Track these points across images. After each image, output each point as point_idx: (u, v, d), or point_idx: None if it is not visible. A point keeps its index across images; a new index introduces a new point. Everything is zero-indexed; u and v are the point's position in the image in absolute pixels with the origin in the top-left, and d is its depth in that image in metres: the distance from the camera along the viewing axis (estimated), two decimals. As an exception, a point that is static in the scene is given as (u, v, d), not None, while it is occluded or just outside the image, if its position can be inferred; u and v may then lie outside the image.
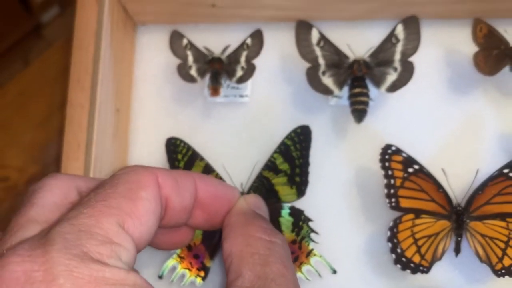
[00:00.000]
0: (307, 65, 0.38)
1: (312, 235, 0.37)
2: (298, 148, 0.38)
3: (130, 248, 0.22)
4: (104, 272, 0.20)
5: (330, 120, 0.40)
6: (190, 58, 0.39)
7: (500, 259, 0.35)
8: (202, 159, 0.38)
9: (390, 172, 0.36)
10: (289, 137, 0.38)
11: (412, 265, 0.35)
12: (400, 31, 0.38)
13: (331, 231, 0.38)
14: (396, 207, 0.36)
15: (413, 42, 0.38)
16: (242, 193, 0.37)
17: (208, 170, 0.38)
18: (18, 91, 0.75)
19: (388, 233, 0.36)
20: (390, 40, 0.38)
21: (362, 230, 0.38)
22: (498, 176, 0.36)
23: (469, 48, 0.39)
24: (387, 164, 0.36)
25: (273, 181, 0.38)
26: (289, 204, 0.38)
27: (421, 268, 0.35)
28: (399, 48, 0.38)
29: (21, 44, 1.47)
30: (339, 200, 0.38)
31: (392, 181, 0.36)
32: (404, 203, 0.36)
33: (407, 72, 0.37)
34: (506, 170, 0.36)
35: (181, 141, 0.39)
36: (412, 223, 0.36)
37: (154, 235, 0.26)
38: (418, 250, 0.35)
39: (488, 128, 0.39)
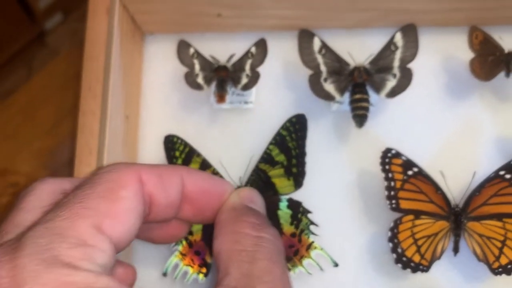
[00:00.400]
0: (309, 72, 0.40)
1: (312, 228, 0.37)
2: (294, 138, 0.38)
3: (106, 250, 0.22)
4: (73, 276, 0.20)
5: (332, 125, 0.42)
6: (197, 67, 0.41)
7: (497, 258, 0.36)
8: (199, 155, 0.39)
9: (390, 175, 0.37)
10: (284, 127, 0.39)
11: (412, 264, 0.37)
12: (398, 39, 0.39)
13: (334, 231, 0.39)
14: (396, 209, 0.37)
15: (412, 49, 0.39)
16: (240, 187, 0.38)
17: (205, 165, 0.39)
18: (26, 100, 0.77)
19: (389, 234, 0.37)
20: (389, 47, 0.39)
21: (364, 230, 0.39)
22: (494, 178, 0.37)
23: (466, 54, 0.40)
24: (387, 167, 0.37)
25: (270, 173, 0.38)
26: (287, 196, 0.38)
27: (421, 267, 0.37)
28: (398, 55, 0.39)
29: (25, 51, 1.49)
30: (342, 202, 0.40)
31: (392, 184, 0.37)
32: (404, 204, 0.37)
33: (406, 78, 0.39)
34: (502, 172, 0.37)
35: (178, 138, 0.39)
36: (412, 224, 0.37)
37: (148, 230, 0.27)
38: (418, 250, 0.37)
39: (484, 132, 0.41)
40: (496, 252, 0.36)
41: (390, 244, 0.37)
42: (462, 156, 0.40)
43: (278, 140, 0.38)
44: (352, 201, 0.40)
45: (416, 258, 0.37)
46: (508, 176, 0.37)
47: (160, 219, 0.27)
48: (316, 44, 0.40)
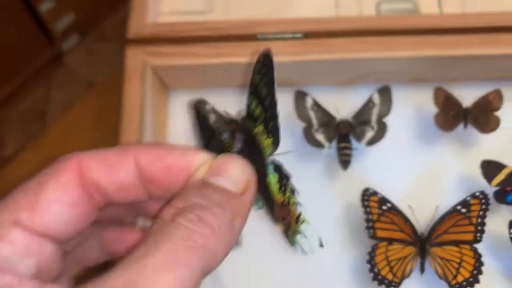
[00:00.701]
0: (303, 124, 0.48)
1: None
2: (263, 84, 0.31)
3: (16, 241, 0.23)
4: None
5: (323, 166, 0.50)
6: (213, 120, 0.50)
7: (455, 276, 0.44)
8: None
9: (368, 209, 0.45)
10: (256, 70, 0.31)
11: (386, 281, 0.44)
12: (376, 98, 0.48)
13: (323, 254, 0.47)
14: (373, 236, 0.45)
15: (386, 106, 0.48)
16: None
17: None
18: (60, 132, 0.83)
19: (367, 257, 0.45)
20: (368, 105, 0.48)
21: (348, 253, 0.47)
22: (452, 212, 0.45)
23: (433, 107, 0.49)
24: (366, 203, 0.45)
25: (255, 131, 0.32)
26: (271, 158, 0.33)
27: (393, 284, 0.44)
28: (375, 111, 0.48)
29: (43, 72, 1.57)
30: (330, 230, 0.48)
31: (370, 216, 0.45)
32: (380, 233, 0.45)
33: (381, 130, 0.47)
34: (459, 207, 0.45)
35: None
36: (386, 249, 0.45)
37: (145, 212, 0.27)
38: (391, 270, 0.44)
39: (448, 173, 0.49)
40: (454, 271, 0.44)
41: (368, 265, 0.44)
42: (428, 193, 0.48)
43: (253, 89, 0.31)
44: (339, 229, 0.48)
45: (389, 276, 0.44)
46: (463, 210, 0.45)
47: (125, 201, 0.26)
48: (309, 102, 0.48)
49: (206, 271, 0.22)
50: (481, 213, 0.45)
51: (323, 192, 0.49)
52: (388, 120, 0.48)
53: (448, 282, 0.44)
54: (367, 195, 0.45)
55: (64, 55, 1.56)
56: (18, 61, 1.46)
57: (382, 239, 0.45)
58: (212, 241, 0.23)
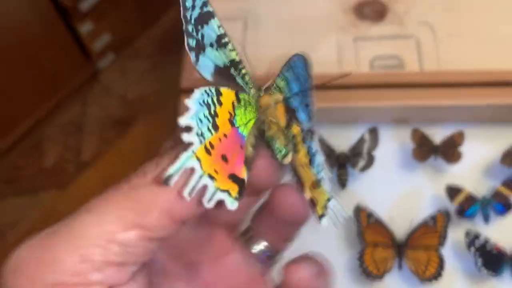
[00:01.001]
0: (312, 155, 0.63)
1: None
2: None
3: None
4: None
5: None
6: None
7: (424, 272, 0.56)
8: None
9: (359, 220, 0.59)
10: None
11: (372, 275, 0.58)
12: (366, 136, 0.62)
13: (325, 253, 0.61)
14: (363, 241, 0.60)
15: (374, 143, 0.62)
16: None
17: None
18: (103, 172, 0.90)
19: (358, 255, 0.59)
20: (360, 141, 0.62)
21: (345, 252, 0.59)
22: (423, 224, 0.59)
23: (411, 143, 0.62)
24: (357, 215, 0.59)
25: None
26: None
27: (377, 277, 0.59)
28: (365, 146, 0.62)
29: (81, 88, 1.70)
30: (331, 235, 0.60)
31: (360, 225, 0.60)
32: (368, 238, 0.58)
33: (370, 160, 0.61)
34: (428, 220, 0.59)
35: None
36: (372, 250, 0.58)
37: None
38: (376, 266, 0.58)
39: (423, 193, 0.61)
40: (423, 268, 0.56)
41: (359, 262, 0.56)
42: (406, 209, 0.60)
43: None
44: (337, 235, 0.60)
45: (374, 271, 0.57)
46: (431, 222, 0.60)
47: None
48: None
49: (137, 224, 0.20)
50: (444, 224, 0.58)
51: (326, 207, 0.63)
52: (376, 153, 0.61)
53: (419, 276, 0.57)
54: (359, 210, 0.58)
55: (100, 72, 1.70)
56: (58, 79, 1.59)
57: (369, 243, 0.57)
58: (142, 192, 0.21)
